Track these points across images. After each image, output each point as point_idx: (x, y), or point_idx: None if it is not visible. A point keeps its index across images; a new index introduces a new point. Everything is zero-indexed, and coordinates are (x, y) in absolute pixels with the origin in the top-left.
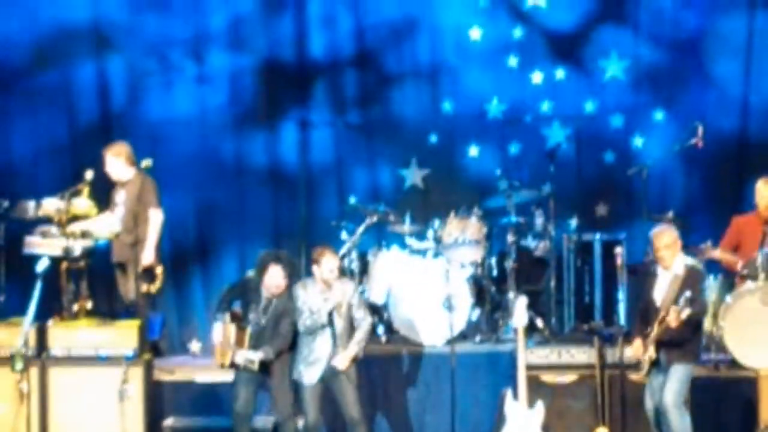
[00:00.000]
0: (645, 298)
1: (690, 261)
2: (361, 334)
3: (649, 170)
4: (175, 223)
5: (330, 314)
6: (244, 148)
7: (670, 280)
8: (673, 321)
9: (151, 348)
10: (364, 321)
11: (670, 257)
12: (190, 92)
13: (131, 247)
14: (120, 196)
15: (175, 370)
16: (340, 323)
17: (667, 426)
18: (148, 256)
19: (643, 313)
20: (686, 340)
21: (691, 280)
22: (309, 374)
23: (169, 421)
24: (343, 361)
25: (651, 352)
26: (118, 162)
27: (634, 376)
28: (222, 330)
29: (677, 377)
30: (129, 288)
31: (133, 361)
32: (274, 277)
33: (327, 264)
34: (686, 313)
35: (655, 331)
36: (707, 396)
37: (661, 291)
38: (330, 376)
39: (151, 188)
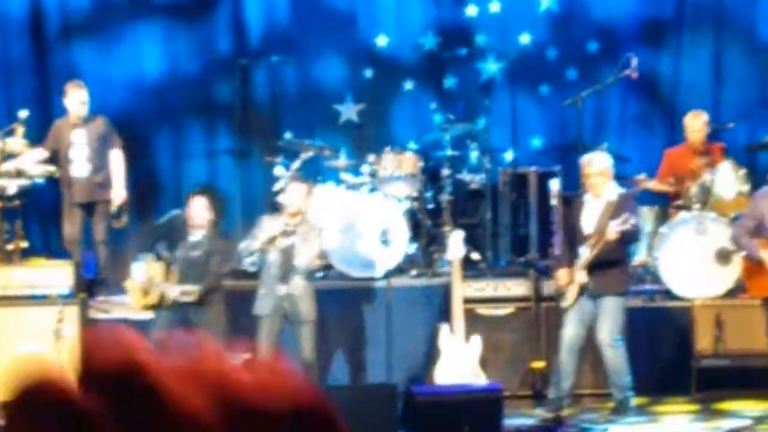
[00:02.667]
0: (571, 225)
1: (622, 189)
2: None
3: (583, 102)
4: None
5: (288, 248)
6: (184, 88)
7: (602, 207)
8: (612, 234)
9: (87, 287)
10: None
11: (602, 184)
12: None
13: (100, 186)
14: (79, 136)
15: (111, 309)
16: (300, 261)
17: (605, 361)
18: (121, 193)
19: (569, 241)
20: (617, 263)
21: (626, 204)
22: (261, 304)
23: None
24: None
25: (582, 277)
26: (80, 100)
27: (563, 304)
28: (145, 269)
29: (610, 312)
30: (99, 229)
31: (68, 300)
32: (196, 208)
33: (291, 191)
34: (625, 226)
35: (586, 256)
36: (643, 326)
37: (591, 218)
38: (288, 312)
39: (112, 127)
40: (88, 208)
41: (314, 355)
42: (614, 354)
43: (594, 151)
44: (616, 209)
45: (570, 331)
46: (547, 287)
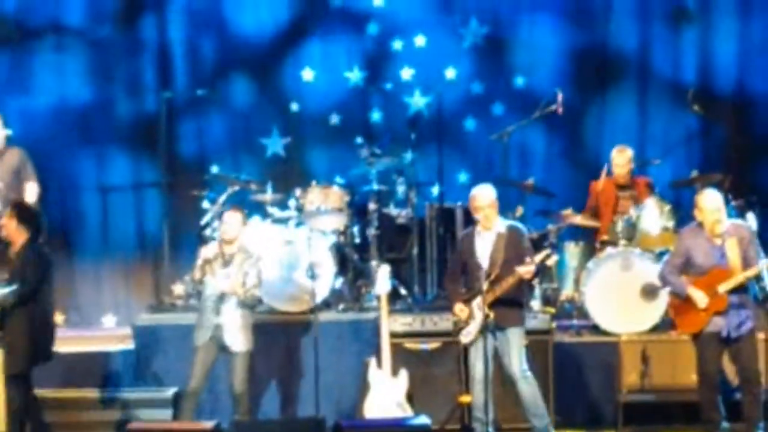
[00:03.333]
0: (463, 260)
1: (508, 221)
2: (249, 288)
3: (509, 137)
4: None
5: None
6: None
7: (494, 240)
8: (527, 273)
9: None
10: (250, 286)
11: (493, 216)
12: None
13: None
14: None
15: None
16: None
17: (520, 394)
18: None
19: (458, 276)
20: (518, 297)
21: (517, 237)
22: (198, 334)
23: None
24: (223, 280)
25: (485, 312)
26: (0, 127)
27: (464, 340)
28: None
29: (517, 343)
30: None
31: None
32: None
33: (227, 219)
34: (532, 267)
35: (492, 291)
36: (570, 361)
37: (485, 251)
38: (222, 342)
39: (28, 159)
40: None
41: (245, 386)
42: (528, 384)
43: (521, 185)
44: (509, 241)
45: (479, 368)
46: (434, 322)
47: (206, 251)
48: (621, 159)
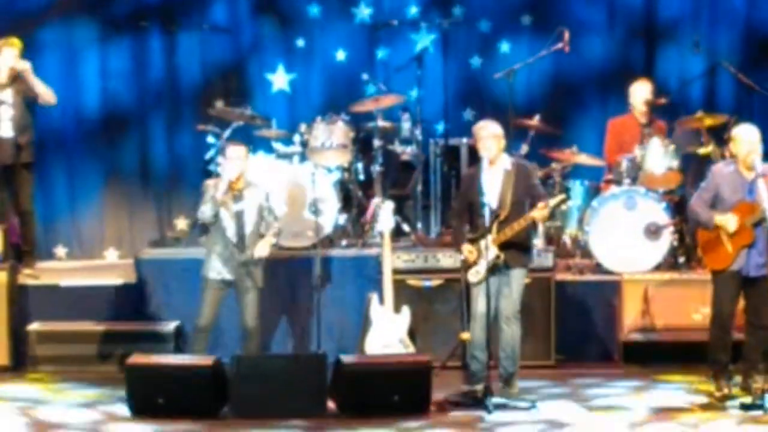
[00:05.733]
0: (468, 199)
1: (513, 158)
2: (273, 229)
3: (515, 75)
4: (37, 126)
5: (239, 213)
6: (109, 55)
7: (501, 177)
8: (541, 217)
9: (16, 252)
10: (272, 223)
11: (495, 147)
12: None
13: (22, 149)
14: (5, 95)
15: (40, 275)
16: (249, 225)
17: (502, 333)
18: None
19: (464, 214)
20: (526, 237)
21: (526, 174)
22: (214, 267)
23: (34, 326)
24: (261, 249)
25: (496, 252)
26: (14, 55)
27: (472, 279)
28: None
29: (517, 286)
30: (23, 194)
31: None
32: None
33: (230, 154)
34: (553, 202)
35: (503, 231)
36: (572, 300)
37: (492, 189)
38: (239, 278)
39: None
40: (9, 175)
41: (257, 321)
42: (516, 326)
43: (526, 124)
44: (517, 178)
45: (482, 306)
46: (451, 260)
47: (212, 183)
48: (645, 92)
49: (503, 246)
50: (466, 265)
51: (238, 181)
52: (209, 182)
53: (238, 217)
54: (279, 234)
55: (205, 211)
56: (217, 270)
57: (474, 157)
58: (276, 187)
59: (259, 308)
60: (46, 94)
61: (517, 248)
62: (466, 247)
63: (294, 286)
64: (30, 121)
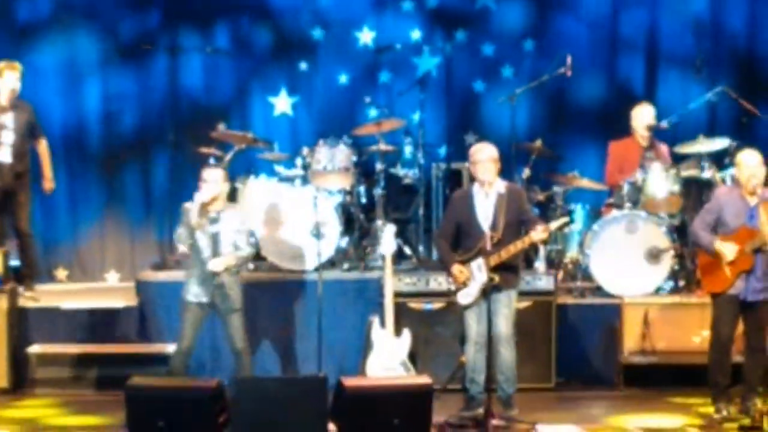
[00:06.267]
0: (456, 220)
1: (506, 182)
2: (241, 253)
3: (517, 99)
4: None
5: (215, 235)
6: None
7: (494, 200)
8: (540, 240)
9: (16, 275)
10: (243, 247)
11: (493, 171)
12: None
13: (21, 175)
14: (7, 120)
15: (41, 297)
16: (226, 248)
17: (499, 355)
18: (50, 183)
19: (450, 236)
20: (517, 262)
21: (518, 198)
22: (191, 290)
23: (34, 348)
24: (216, 263)
25: (490, 275)
26: (16, 78)
27: (463, 301)
28: None
29: (510, 306)
30: (23, 218)
31: None
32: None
33: (206, 177)
34: (555, 225)
35: (498, 254)
36: (573, 323)
37: (486, 212)
38: (218, 300)
39: (35, 115)
40: (8, 198)
41: (245, 343)
42: (512, 348)
43: (528, 148)
44: (510, 201)
45: (475, 327)
46: (438, 282)
47: (189, 206)
48: (647, 116)
49: (495, 268)
50: (457, 288)
51: (213, 203)
52: (187, 205)
53: (214, 239)
54: (246, 259)
55: (181, 234)
56: (194, 293)
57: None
58: (277, 210)
59: (244, 329)
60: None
61: (508, 270)
62: (457, 268)
63: (295, 309)
64: (27, 148)
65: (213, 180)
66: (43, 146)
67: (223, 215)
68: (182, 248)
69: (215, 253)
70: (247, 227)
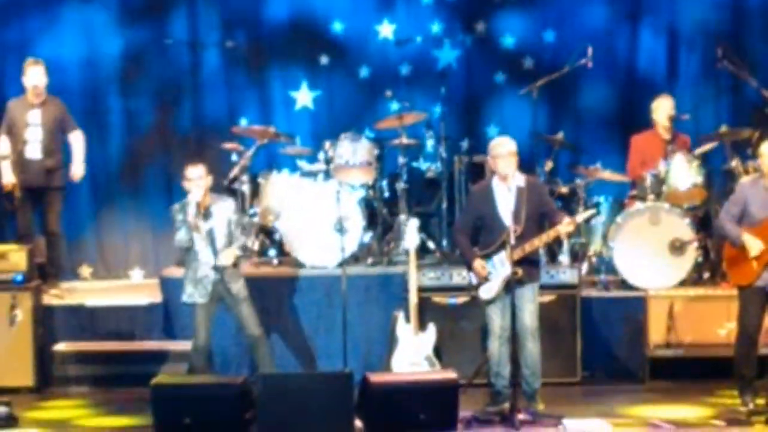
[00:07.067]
0: (476, 214)
1: (525, 175)
2: (238, 242)
3: (539, 91)
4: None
5: (209, 231)
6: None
7: (515, 194)
8: (566, 233)
9: (41, 273)
10: (239, 237)
11: (514, 165)
12: None
13: (53, 172)
14: (34, 116)
15: (66, 295)
16: (221, 240)
17: (525, 349)
18: (80, 169)
19: (470, 230)
20: (538, 256)
21: (539, 191)
22: (194, 292)
23: (59, 346)
24: (227, 256)
25: (514, 269)
26: (41, 74)
27: (485, 296)
28: None
29: (534, 300)
30: (53, 218)
31: (22, 286)
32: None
33: (189, 174)
34: (581, 217)
35: (521, 247)
36: (598, 316)
37: (506, 206)
38: (223, 294)
39: (66, 109)
40: (38, 196)
41: (261, 329)
42: (537, 342)
43: (550, 140)
44: (530, 195)
45: (499, 321)
46: (462, 277)
47: (179, 207)
48: (668, 108)
49: (518, 262)
50: (479, 282)
51: (204, 199)
52: (175, 207)
53: (210, 235)
54: (245, 247)
55: (182, 238)
56: (188, 293)
57: None
58: (300, 205)
59: (256, 315)
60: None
61: (530, 263)
62: (480, 263)
63: (319, 305)
64: (59, 144)
65: (198, 176)
66: (76, 136)
67: (213, 209)
68: (182, 246)
69: (213, 249)
70: (238, 214)
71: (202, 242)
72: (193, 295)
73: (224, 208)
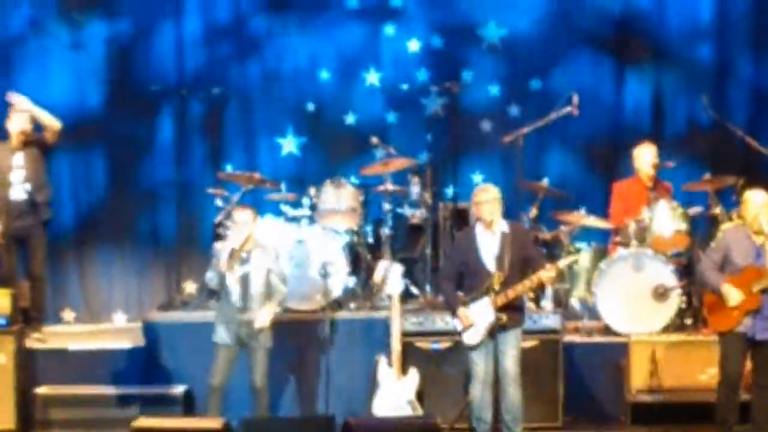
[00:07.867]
0: (460, 261)
1: (508, 221)
2: (279, 296)
3: (524, 139)
4: None
5: (244, 276)
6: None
7: (499, 240)
8: (549, 279)
9: (24, 316)
10: (278, 288)
11: (497, 212)
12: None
13: (40, 206)
14: (18, 159)
15: (48, 339)
16: (256, 288)
17: (507, 395)
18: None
19: (453, 277)
20: (522, 301)
21: (523, 237)
22: (221, 333)
23: (42, 389)
24: (263, 319)
25: (498, 315)
26: (25, 119)
27: (470, 341)
28: None
29: (517, 345)
30: (36, 261)
31: (5, 329)
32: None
33: (237, 218)
34: (563, 263)
35: (504, 293)
36: (580, 361)
37: (490, 252)
38: (246, 339)
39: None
40: (22, 239)
41: (265, 380)
42: (519, 387)
43: (535, 187)
44: (514, 240)
45: (482, 366)
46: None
47: (221, 246)
48: (650, 156)
49: (502, 307)
50: (463, 328)
51: (245, 244)
52: (218, 245)
53: (244, 280)
54: (284, 301)
55: (212, 278)
56: (220, 335)
57: None
58: (284, 250)
59: (267, 367)
60: (51, 122)
61: (514, 309)
62: (463, 311)
63: (303, 349)
64: (46, 179)
65: (244, 222)
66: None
67: (254, 254)
68: (211, 287)
69: (245, 294)
70: (279, 265)
71: (235, 285)
72: (224, 337)
73: (265, 256)
